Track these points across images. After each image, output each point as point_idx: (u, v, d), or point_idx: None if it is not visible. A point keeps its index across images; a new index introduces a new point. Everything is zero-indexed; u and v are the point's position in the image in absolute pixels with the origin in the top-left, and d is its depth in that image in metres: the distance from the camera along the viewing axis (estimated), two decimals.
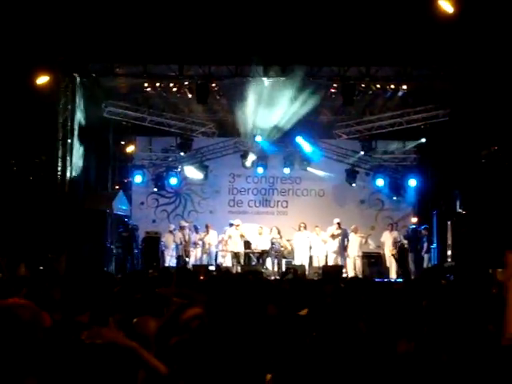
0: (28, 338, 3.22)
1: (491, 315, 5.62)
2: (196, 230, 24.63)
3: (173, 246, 24.15)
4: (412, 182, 26.31)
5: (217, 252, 24.52)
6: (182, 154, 26.59)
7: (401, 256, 23.69)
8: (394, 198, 26.84)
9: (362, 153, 26.23)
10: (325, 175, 26.86)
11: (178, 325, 3.88)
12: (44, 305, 4.83)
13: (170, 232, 24.50)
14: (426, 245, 23.23)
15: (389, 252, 23.72)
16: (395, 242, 23.72)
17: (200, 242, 24.27)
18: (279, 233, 23.60)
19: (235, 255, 23.59)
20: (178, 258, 23.91)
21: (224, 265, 23.78)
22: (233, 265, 23.38)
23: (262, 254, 23.67)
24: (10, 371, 3.14)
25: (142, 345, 3.78)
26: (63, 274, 16.78)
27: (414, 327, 5.20)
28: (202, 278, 11.53)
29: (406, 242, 24.05)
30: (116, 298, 6.50)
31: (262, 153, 26.47)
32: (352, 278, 15.55)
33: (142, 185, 27.19)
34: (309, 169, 26.76)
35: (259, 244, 24.01)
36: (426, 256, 23.21)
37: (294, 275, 14.48)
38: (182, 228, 24.11)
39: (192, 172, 27.01)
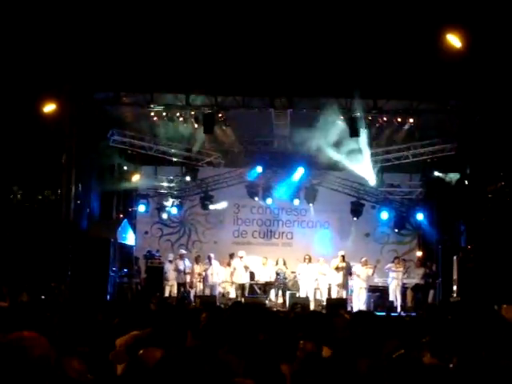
0: (37, 373, 3.11)
1: (497, 351, 5.51)
2: (197, 260, 24.44)
3: (174, 275, 23.92)
4: (419, 216, 26.18)
5: (219, 283, 24.29)
6: (187, 183, 26.60)
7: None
8: (400, 231, 26.74)
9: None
10: (330, 207, 26.77)
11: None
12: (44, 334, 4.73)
13: (170, 262, 24.28)
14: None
15: (393, 285, 23.50)
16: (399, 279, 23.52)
17: (203, 273, 24.10)
18: (285, 264, 23.52)
19: (239, 287, 23.50)
20: (179, 286, 23.71)
21: (229, 296, 23.68)
22: (237, 296, 23.29)
23: (266, 286, 23.57)
24: None
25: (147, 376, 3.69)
26: (64, 302, 16.71)
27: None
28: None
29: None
30: (115, 329, 6.42)
31: (269, 183, 26.42)
32: (358, 311, 15.40)
33: (146, 214, 27.10)
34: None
35: (262, 275, 23.88)
36: (431, 291, 23.07)
37: (302, 309, 14.26)
38: (180, 256, 23.99)
39: None
